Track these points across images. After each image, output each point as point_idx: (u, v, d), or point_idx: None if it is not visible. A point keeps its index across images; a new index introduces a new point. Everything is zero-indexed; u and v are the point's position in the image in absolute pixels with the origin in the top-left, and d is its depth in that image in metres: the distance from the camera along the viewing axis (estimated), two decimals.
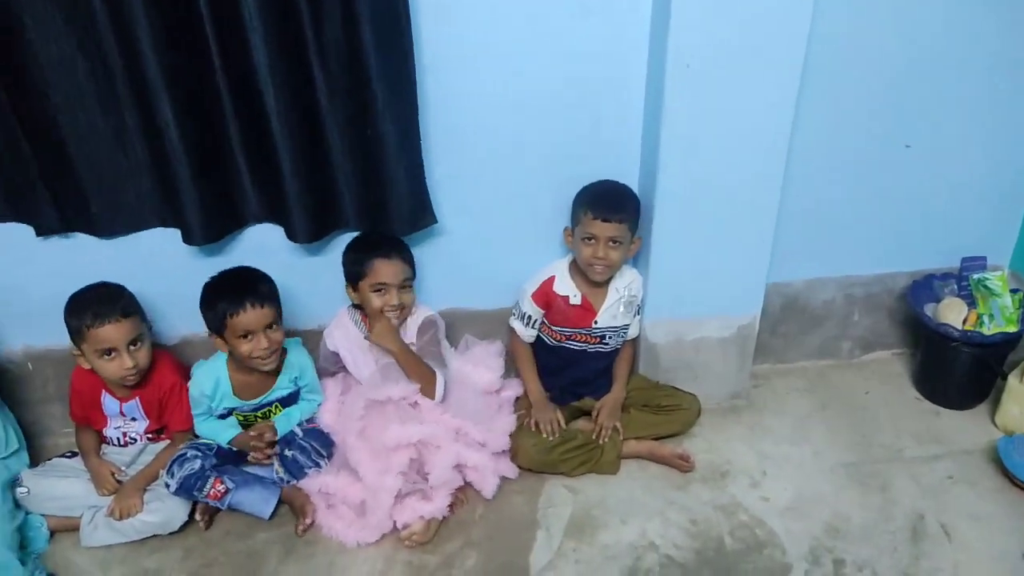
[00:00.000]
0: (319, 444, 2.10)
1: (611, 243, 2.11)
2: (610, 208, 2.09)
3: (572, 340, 2.27)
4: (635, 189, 2.20)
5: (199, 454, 2.03)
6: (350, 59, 1.92)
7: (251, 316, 1.96)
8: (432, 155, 2.11)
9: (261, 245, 2.19)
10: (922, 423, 2.42)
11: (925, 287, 2.50)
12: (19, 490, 2.00)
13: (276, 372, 2.13)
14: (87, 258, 2.11)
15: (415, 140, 2.04)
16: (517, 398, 2.31)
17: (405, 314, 2.15)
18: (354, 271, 2.11)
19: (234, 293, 1.97)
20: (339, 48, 1.91)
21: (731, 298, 2.30)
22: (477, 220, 2.26)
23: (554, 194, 2.22)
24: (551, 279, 2.23)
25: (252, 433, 2.10)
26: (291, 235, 2.14)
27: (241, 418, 2.16)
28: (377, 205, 2.12)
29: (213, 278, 2.03)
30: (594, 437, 2.20)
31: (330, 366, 2.25)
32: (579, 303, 2.22)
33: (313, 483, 2.06)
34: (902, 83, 2.22)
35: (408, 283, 2.11)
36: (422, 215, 2.14)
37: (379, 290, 2.08)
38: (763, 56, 1.95)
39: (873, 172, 2.35)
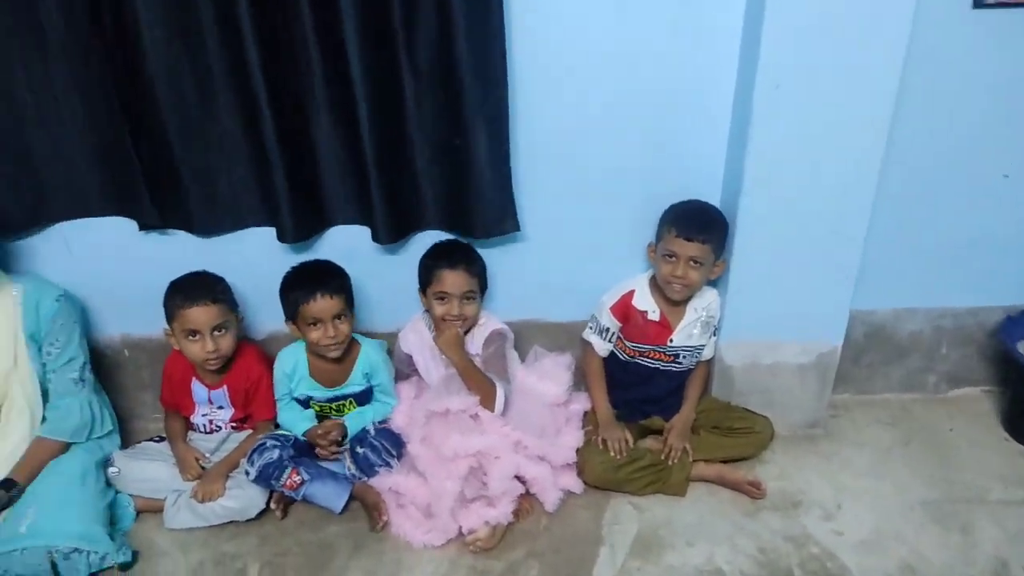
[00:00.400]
0: (390, 444, 2.15)
1: (692, 263, 2.10)
2: (694, 228, 2.08)
3: (645, 357, 2.26)
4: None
5: (278, 444, 2.10)
6: (442, 72, 1.99)
7: (320, 305, 2.06)
8: (515, 164, 2.15)
9: (347, 245, 2.27)
10: (1010, 465, 2.31)
11: (1020, 323, 2.39)
12: (111, 470, 2.11)
13: (350, 365, 2.20)
14: (184, 253, 2.23)
15: (504, 148, 2.09)
16: (585, 412, 2.31)
17: (467, 325, 2.19)
18: (423, 277, 2.18)
19: (307, 283, 2.08)
20: (432, 61, 1.98)
21: (812, 324, 2.26)
22: (555, 232, 2.29)
23: (634, 209, 2.23)
24: (631, 293, 2.23)
25: (319, 430, 2.17)
26: (375, 236, 2.22)
27: (317, 408, 2.24)
28: (461, 209, 2.18)
29: (292, 268, 2.15)
30: (663, 458, 2.18)
31: (404, 368, 2.31)
32: (657, 319, 2.21)
33: (384, 482, 2.11)
34: (1002, 108, 2.13)
35: (472, 295, 2.15)
36: (505, 221, 2.19)
37: (441, 298, 2.13)
38: (857, 77, 1.91)
39: (969, 201, 2.27)
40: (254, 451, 2.08)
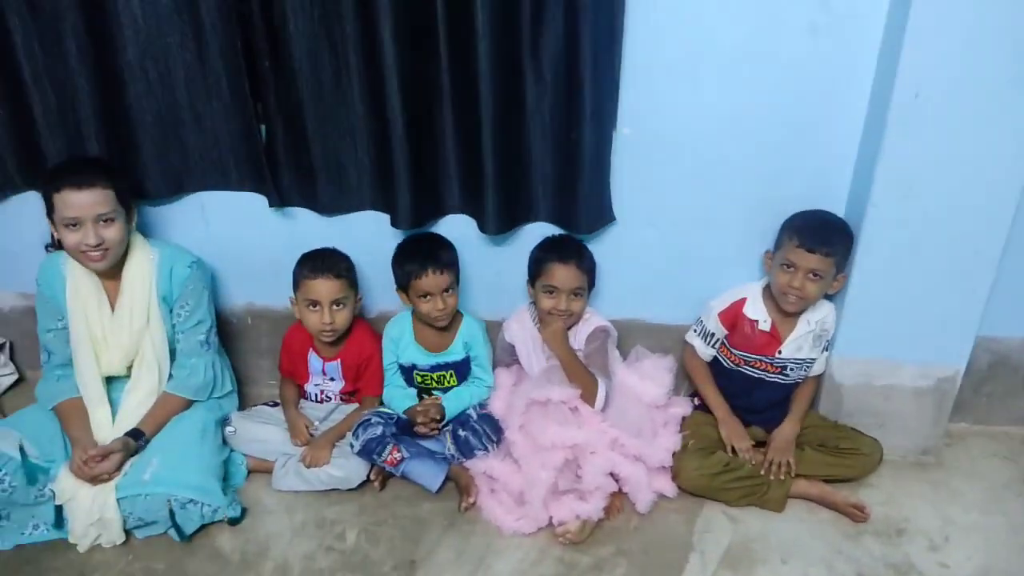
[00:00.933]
0: (491, 429, 2.19)
1: (811, 275, 2.04)
2: (817, 239, 2.02)
3: (751, 366, 2.22)
4: (840, 213, 2.12)
5: (381, 421, 2.18)
6: (567, 70, 2.01)
7: (431, 280, 2.14)
8: (627, 163, 2.15)
9: (457, 233, 2.30)
10: None
11: None
12: (228, 429, 2.25)
13: (452, 334, 2.29)
14: (308, 230, 2.33)
15: (608, 145, 2.11)
16: (684, 417, 2.28)
17: (573, 320, 2.20)
18: (533, 269, 2.21)
19: (419, 257, 2.16)
20: (555, 59, 2.01)
21: (934, 346, 2.16)
22: (665, 232, 2.27)
23: (749, 215, 2.19)
24: (742, 301, 2.19)
25: (419, 408, 2.23)
26: (482, 227, 2.26)
27: (420, 378, 2.32)
28: (567, 203, 2.20)
29: (404, 240, 2.23)
30: (763, 472, 2.14)
31: (506, 357, 2.35)
32: (767, 330, 2.16)
33: (480, 465, 2.16)
34: None
35: (580, 292, 2.16)
36: (603, 214, 2.21)
37: (550, 292, 2.15)
38: (1003, 89, 1.82)
39: None
40: (359, 426, 2.17)
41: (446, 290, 2.18)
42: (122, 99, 2.16)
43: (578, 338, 2.23)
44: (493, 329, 2.42)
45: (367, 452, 2.15)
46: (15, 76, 2.14)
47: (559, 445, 2.00)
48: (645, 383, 2.22)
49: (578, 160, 2.10)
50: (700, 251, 2.28)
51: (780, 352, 2.17)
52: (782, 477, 2.12)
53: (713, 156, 2.14)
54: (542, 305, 2.18)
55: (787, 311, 2.13)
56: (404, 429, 2.24)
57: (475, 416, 2.24)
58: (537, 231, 2.30)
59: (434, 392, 2.34)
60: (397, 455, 2.14)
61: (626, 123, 2.09)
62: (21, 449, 1.99)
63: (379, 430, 2.16)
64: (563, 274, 2.14)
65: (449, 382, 2.33)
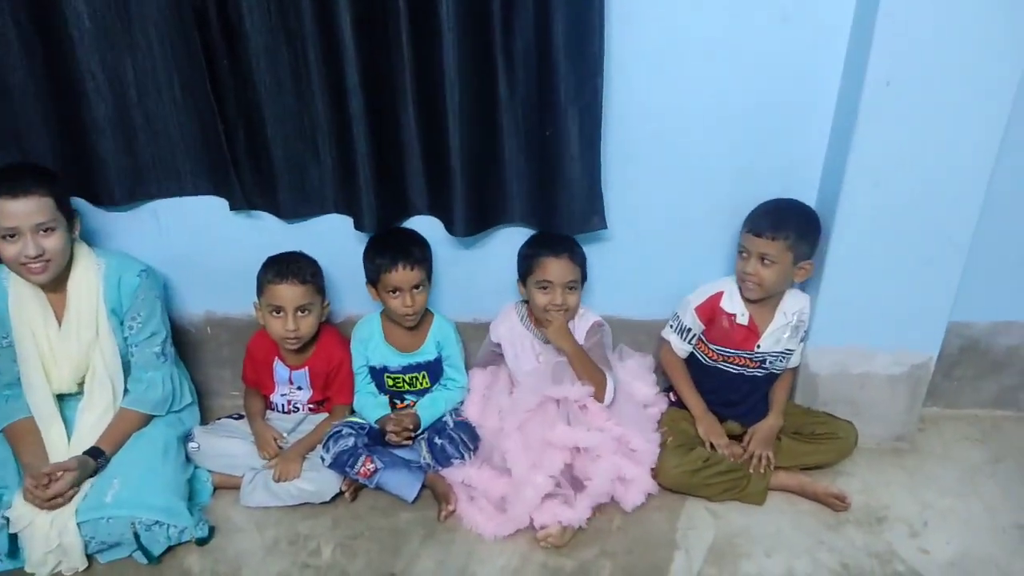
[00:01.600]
0: (467, 437, 2.14)
1: (763, 261, 2.04)
2: (763, 224, 2.03)
3: (729, 362, 2.20)
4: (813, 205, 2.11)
5: (353, 432, 2.11)
6: (538, 60, 1.95)
7: (401, 275, 2.09)
8: (605, 161, 2.10)
9: (426, 235, 2.23)
10: None
11: None
12: (191, 445, 2.15)
13: (423, 333, 2.24)
14: (269, 235, 2.25)
15: (595, 143, 2.05)
16: (660, 413, 2.26)
17: (570, 316, 2.15)
18: (524, 266, 2.16)
19: (391, 251, 2.11)
20: (527, 49, 1.95)
21: (907, 333, 2.16)
22: (642, 229, 2.24)
23: (723, 210, 2.17)
24: (719, 295, 2.17)
25: (392, 417, 2.17)
26: (450, 228, 2.20)
27: (391, 381, 2.25)
28: (547, 204, 2.14)
29: (377, 234, 2.17)
30: (746, 466, 2.12)
31: (490, 358, 2.29)
32: (745, 323, 2.14)
33: (457, 474, 2.10)
34: None
35: (574, 285, 2.12)
36: (592, 218, 2.14)
37: (544, 288, 2.11)
38: (973, 77, 1.82)
39: None
40: (330, 437, 2.10)
41: (416, 286, 2.13)
42: (72, 103, 2.05)
43: (578, 334, 2.19)
44: (466, 331, 2.37)
45: (339, 465, 2.07)
46: None
47: (568, 445, 1.95)
48: (636, 382, 2.19)
49: (558, 158, 2.04)
50: (677, 247, 2.25)
51: (759, 346, 2.16)
52: (762, 471, 2.11)
53: (685, 153, 2.11)
54: (537, 302, 2.13)
55: (748, 298, 2.13)
56: (376, 438, 2.17)
57: (451, 423, 2.19)
58: (512, 233, 2.25)
59: (406, 396, 2.28)
60: (370, 466, 2.07)
61: (607, 119, 2.04)
62: None
63: (351, 441, 2.09)
64: (556, 268, 2.10)
65: (422, 383, 2.27)
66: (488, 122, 2.04)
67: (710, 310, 2.17)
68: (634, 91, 2.04)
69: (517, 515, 1.98)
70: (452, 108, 1.98)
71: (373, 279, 2.15)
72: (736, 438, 2.21)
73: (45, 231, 1.87)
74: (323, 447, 2.10)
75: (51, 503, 1.86)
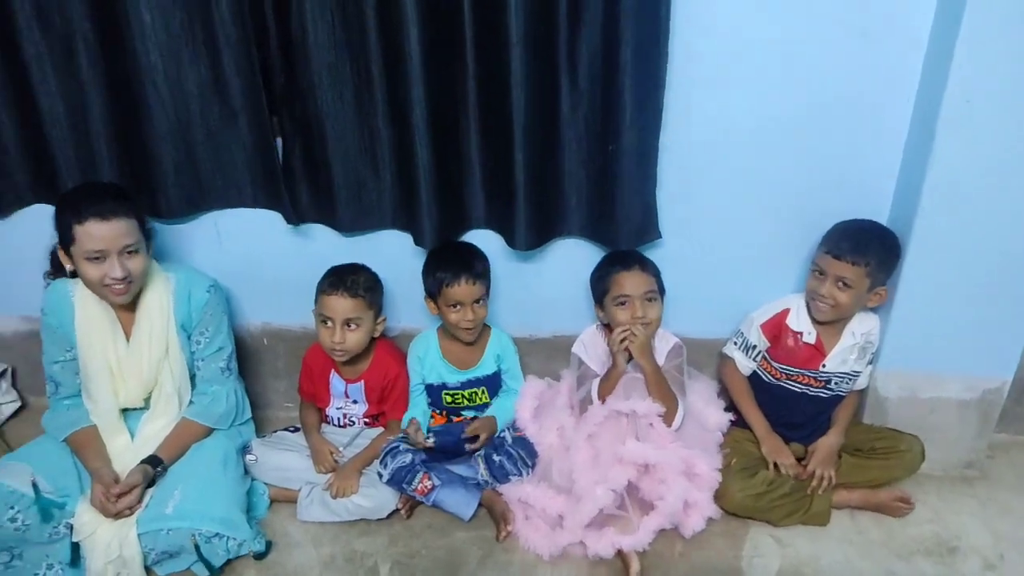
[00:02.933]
0: (525, 453, 2.11)
1: (840, 283, 1.97)
2: (845, 247, 1.96)
3: (793, 380, 2.14)
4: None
5: (411, 448, 2.09)
6: (604, 74, 1.93)
7: (463, 289, 2.07)
8: (662, 172, 2.07)
9: (483, 248, 2.21)
10: None
11: None
12: (248, 457, 2.15)
13: (481, 348, 2.21)
14: (327, 248, 2.24)
15: (653, 156, 2.02)
16: (723, 434, 2.20)
17: (652, 329, 2.10)
18: (599, 288, 2.13)
19: (453, 266, 2.08)
20: (592, 63, 1.92)
21: (980, 358, 2.09)
22: (699, 244, 2.19)
23: (788, 226, 2.12)
24: (785, 312, 2.12)
25: (416, 420, 2.14)
26: (510, 242, 2.17)
27: (449, 398, 2.23)
28: (605, 217, 2.11)
29: (437, 248, 2.15)
30: (807, 486, 2.06)
31: (582, 377, 2.22)
32: (812, 342, 2.09)
33: (514, 491, 2.07)
34: None
35: (652, 295, 2.07)
36: (648, 230, 2.11)
37: (623, 303, 2.06)
38: None
39: None
40: (387, 453, 2.08)
41: (477, 300, 2.11)
42: (134, 115, 2.06)
43: (659, 354, 2.14)
44: (523, 346, 2.34)
45: (396, 481, 2.05)
46: (26, 92, 2.05)
47: (636, 461, 1.91)
48: (709, 408, 2.15)
49: (618, 172, 2.01)
50: (736, 263, 2.20)
51: (824, 365, 2.10)
52: (820, 492, 2.05)
53: (751, 165, 2.06)
54: (618, 319, 2.07)
55: (818, 319, 2.06)
56: (435, 456, 2.14)
57: (509, 439, 2.16)
58: (572, 246, 2.22)
59: (464, 412, 2.25)
60: (428, 483, 2.05)
61: (664, 131, 2.00)
62: (34, 485, 1.88)
63: (408, 457, 2.07)
64: (631, 280, 2.06)
65: (481, 399, 2.25)
66: (550, 136, 2.02)
67: (776, 327, 2.12)
68: (696, 103, 2.00)
69: (572, 527, 1.94)
70: (517, 123, 1.95)
71: (433, 293, 2.13)
72: (799, 461, 2.14)
73: (130, 253, 1.88)
74: (380, 463, 2.08)
75: (118, 515, 1.86)
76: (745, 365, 2.20)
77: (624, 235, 2.10)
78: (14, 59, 2.02)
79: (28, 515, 1.85)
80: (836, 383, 2.13)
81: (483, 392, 2.24)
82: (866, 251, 1.95)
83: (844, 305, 2.00)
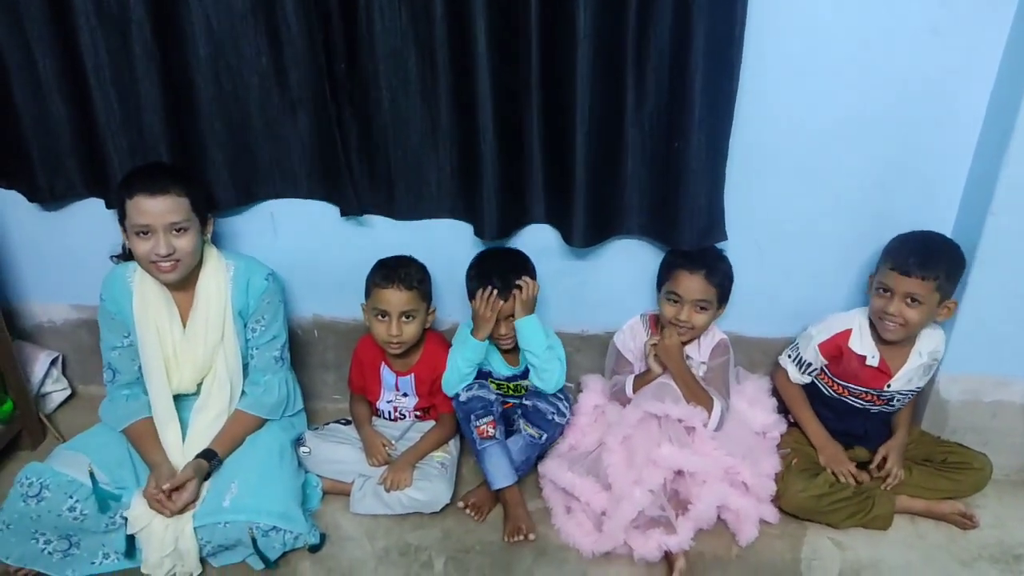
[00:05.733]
0: (562, 397, 2.16)
1: (908, 301, 1.91)
2: (913, 262, 1.88)
3: (854, 397, 2.10)
4: (948, 232, 2.00)
5: (493, 395, 2.11)
6: (672, 70, 1.89)
7: (505, 307, 2.07)
8: (729, 171, 2.02)
9: (540, 244, 2.20)
10: None
11: None
12: (302, 449, 2.14)
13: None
14: (379, 240, 2.22)
15: (722, 155, 1.98)
16: (780, 434, 2.17)
17: (692, 336, 2.09)
18: (661, 273, 2.11)
19: (495, 279, 2.06)
20: (660, 59, 1.89)
21: None
22: (761, 243, 2.15)
23: (850, 228, 2.09)
24: (846, 333, 2.05)
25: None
26: (568, 239, 2.15)
27: (495, 385, 2.21)
28: (668, 216, 2.07)
29: (481, 255, 2.15)
30: (872, 488, 2.03)
31: (616, 367, 2.23)
32: (876, 365, 2.03)
33: (562, 478, 2.04)
34: None
35: (705, 305, 2.04)
36: (713, 230, 2.07)
37: (673, 300, 2.04)
38: None
39: None
40: (470, 386, 2.11)
41: (508, 317, 2.10)
42: (191, 104, 2.04)
43: (702, 350, 2.12)
44: (574, 342, 2.32)
45: (467, 410, 2.06)
46: (80, 79, 2.03)
47: (672, 466, 1.88)
48: (755, 409, 2.11)
49: (683, 171, 1.97)
50: (797, 264, 2.16)
51: (889, 386, 2.05)
52: (889, 488, 2.03)
53: (814, 164, 2.02)
54: (664, 312, 2.07)
55: (885, 339, 1.99)
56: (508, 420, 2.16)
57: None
58: (630, 245, 2.19)
59: (509, 399, 2.25)
60: (492, 431, 2.04)
61: (734, 129, 1.96)
62: (91, 475, 1.89)
63: (492, 397, 2.09)
64: (689, 283, 2.02)
65: (522, 391, 2.24)
66: (614, 133, 1.98)
67: (835, 348, 2.06)
68: (764, 101, 1.95)
69: (614, 530, 1.92)
70: (581, 118, 1.92)
71: (472, 294, 2.12)
72: (861, 466, 2.11)
73: (178, 231, 1.86)
74: (465, 389, 2.09)
75: (178, 513, 1.86)
76: (799, 378, 2.15)
77: (687, 235, 2.06)
78: (69, 48, 2.00)
79: (86, 505, 1.85)
80: (899, 400, 2.09)
81: (528, 384, 2.22)
82: (935, 264, 1.89)
83: (914, 323, 1.94)
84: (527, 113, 1.97)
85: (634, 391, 2.10)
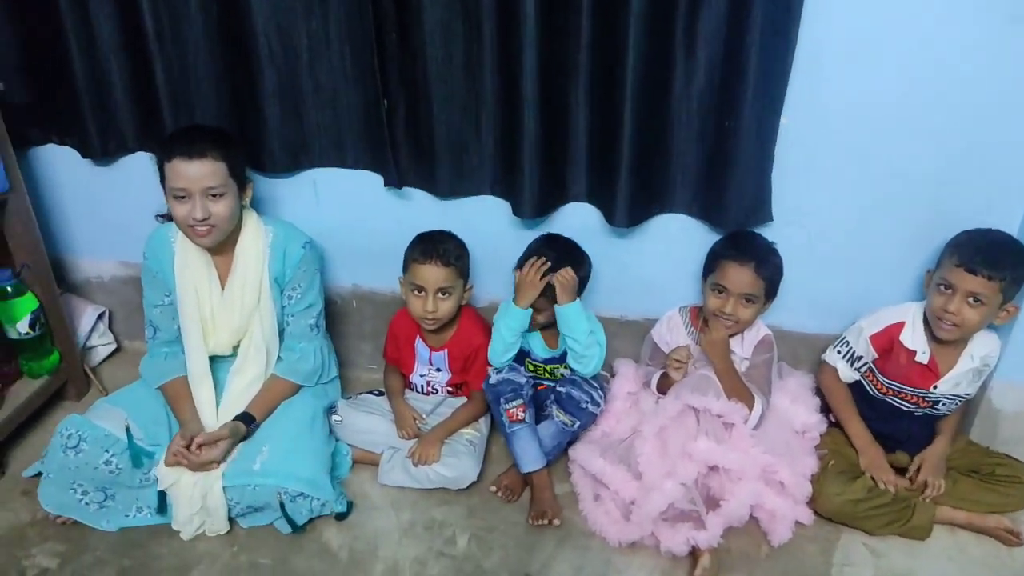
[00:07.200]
0: (596, 385, 2.10)
1: (970, 300, 1.82)
2: (980, 259, 1.79)
3: (899, 397, 2.02)
4: (1014, 233, 1.90)
5: (524, 378, 2.09)
6: (725, 47, 1.83)
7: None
8: (779, 155, 1.96)
9: (580, 223, 2.16)
10: None
11: None
12: (334, 418, 2.15)
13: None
14: (419, 213, 2.20)
15: (773, 134, 1.92)
16: (820, 434, 2.10)
17: (738, 329, 2.03)
18: (707, 263, 2.06)
19: (553, 253, 2.02)
20: (713, 34, 1.82)
21: None
22: (813, 233, 2.07)
23: (908, 222, 2.00)
24: (899, 325, 1.97)
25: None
26: (609, 218, 2.10)
27: (531, 367, 2.20)
28: (713, 196, 2.02)
29: (544, 238, 2.11)
30: (912, 496, 1.96)
31: (649, 359, 2.19)
32: (925, 362, 1.95)
33: (593, 464, 2.00)
34: None
35: (752, 298, 1.98)
36: (760, 211, 2.01)
37: (719, 291, 1.99)
38: None
39: None
40: (499, 369, 2.09)
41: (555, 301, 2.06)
42: (244, 66, 2.05)
43: (745, 345, 2.07)
44: (612, 327, 2.27)
45: (497, 393, 2.05)
46: (139, 35, 2.05)
47: (708, 461, 1.83)
48: (796, 407, 2.04)
49: (733, 149, 1.91)
50: (848, 256, 2.08)
51: (936, 387, 1.96)
52: (927, 500, 1.95)
53: (878, 153, 1.93)
54: (708, 304, 2.01)
55: (941, 338, 1.91)
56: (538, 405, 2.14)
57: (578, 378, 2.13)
58: (670, 221, 2.13)
59: (543, 381, 2.23)
60: (521, 414, 2.03)
61: (787, 110, 1.89)
62: (127, 430, 1.92)
63: (522, 380, 2.07)
64: (736, 275, 1.96)
65: (558, 375, 2.20)
66: (661, 110, 1.93)
67: (887, 341, 1.98)
68: (822, 83, 1.87)
69: (642, 520, 1.88)
70: (630, 94, 1.87)
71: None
72: (901, 471, 2.03)
73: (214, 196, 1.87)
74: (494, 370, 2.08)
75: (202, 467, 1.89)
76: (848, 375, 2.08)
77: (733, 215, 2.00)
78: (128, 8, 2.02)
79: (121, 459, 1.90)
80: (945, 404, 2.00)
81: (564, 367, 2.18)
82: (1003, 264, 1.79)
83: (972, 323, 1.84)
84: (573, 88, 1.93)
85: (658, 390, 2.06)
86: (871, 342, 2.00)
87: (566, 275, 1.99)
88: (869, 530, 1.96)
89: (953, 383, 1.96)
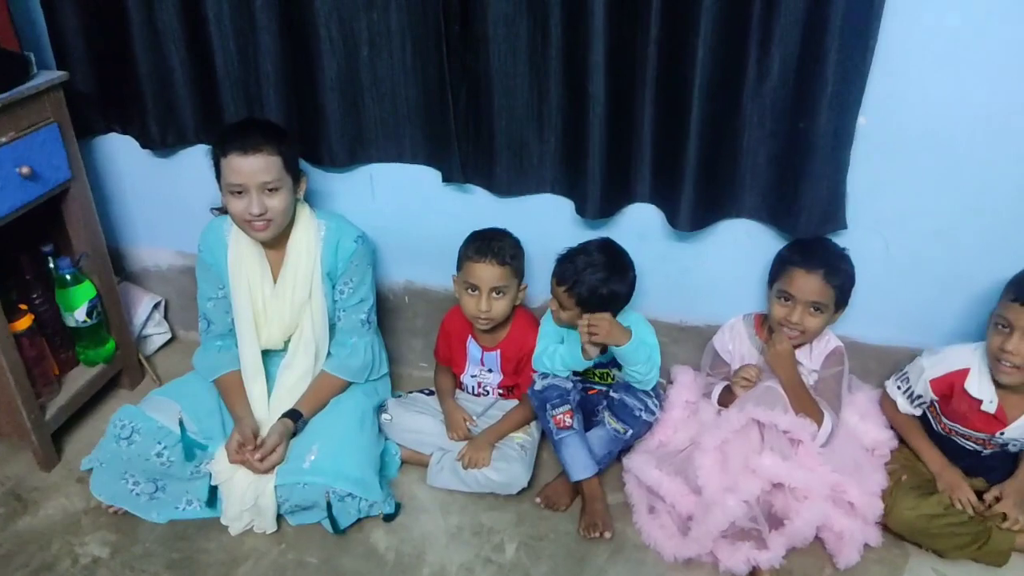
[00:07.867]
0: (652, 393, 2.04)
1: None
2: None
3: (964, 438, 1.91)
4: None
5: (571, 383, 2.03)
6: (801, 45, 1.73)
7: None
8: (856, 158, 1.85)
9: (641, 225, 2.09)
10: None
11: None
12: (384, 416, 2.12)
13: None
14: (475, 210, 2.15)
15: (848, 138, 1.82)
16: (891, 450, 1.99)
17: (804, 340, 1.94)
18: (774, 270, 1.97)
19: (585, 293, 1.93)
20: (789, 31, 1.73)
21: None
22: (884, 240, 1.96)
23: (992, 234, 1.87)
24: (963, 372, 1.84)
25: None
26: (673, 221, 2.02)
27: (581, 371, 2.12)
28: (784, 201, 1.92)
29: (589, 244, 2.01)
30: (1000, 520, 1.83)
31: (711, 369, 2.11)
32: (992, 411, 1.81)
33: (649, 476, 1.93)
34: None
35: (820, 307, 1.88)
36: (833, 218, 1.91)
37: (785, 299, 1.90)
38: None
39: None
40: (545, 375, 2.03)
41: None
42: (305, 58, 2.02)
43: (813, 357, 1.97)
44: (671, 332, 2.20)
45: (543, 399, 1.99)
46: (200, 29, 2.04)
47: (773, 478, 1.75)
48: (866, 423, 1.94)
49: (807, 152, 1.81)
50: (928, 267, 1.96)
51: (1003, 433, 1.84)
52: (1015, 528, 1.82)
53: (964, 160, 1.81)
54: (774, 313, 1.92)
55: (1000, 382, 1.78)
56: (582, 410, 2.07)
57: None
58: (734, 228, 2.04)
59: (594, 385, 2.15)
60: (568, 420, 1.96)
61: (865, 111, 1.79)
62: (180, 423, 1.92)
63: (568, 385, 2.01)
64: (804, 282, 1.86)
65: (609, 380, 2.13)
66: (731, 110, 1.84)
67: (948, 387, 1.86)
68: (909, 83, 1.76)
69: (701, 537, 1.81)
70: (700, 93, 1.79)
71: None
72: (979, 494, 1.90)
73: (270, 190, 1.85)
74: (539, 376, 2.03)
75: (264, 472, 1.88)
76: (908, 409, 1.96)
77: (804, 221, 1.90)
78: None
79: (173, 452, 1.90)
80: (1014, 446, 1.88)
81: (615, 372, 2.11)
82: None
83: None
84: (640, 85, 1.85)
85: (720, 403, 1.98)
86: (931, 386, 1.88)
87: (599, 326, 1.87)
88: (942, 551, 1.86)
89: (1022, 429, 1.83)
